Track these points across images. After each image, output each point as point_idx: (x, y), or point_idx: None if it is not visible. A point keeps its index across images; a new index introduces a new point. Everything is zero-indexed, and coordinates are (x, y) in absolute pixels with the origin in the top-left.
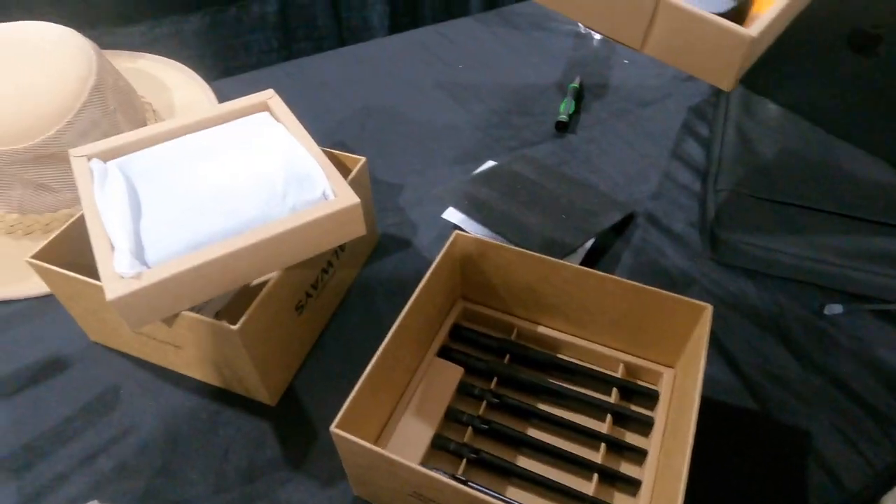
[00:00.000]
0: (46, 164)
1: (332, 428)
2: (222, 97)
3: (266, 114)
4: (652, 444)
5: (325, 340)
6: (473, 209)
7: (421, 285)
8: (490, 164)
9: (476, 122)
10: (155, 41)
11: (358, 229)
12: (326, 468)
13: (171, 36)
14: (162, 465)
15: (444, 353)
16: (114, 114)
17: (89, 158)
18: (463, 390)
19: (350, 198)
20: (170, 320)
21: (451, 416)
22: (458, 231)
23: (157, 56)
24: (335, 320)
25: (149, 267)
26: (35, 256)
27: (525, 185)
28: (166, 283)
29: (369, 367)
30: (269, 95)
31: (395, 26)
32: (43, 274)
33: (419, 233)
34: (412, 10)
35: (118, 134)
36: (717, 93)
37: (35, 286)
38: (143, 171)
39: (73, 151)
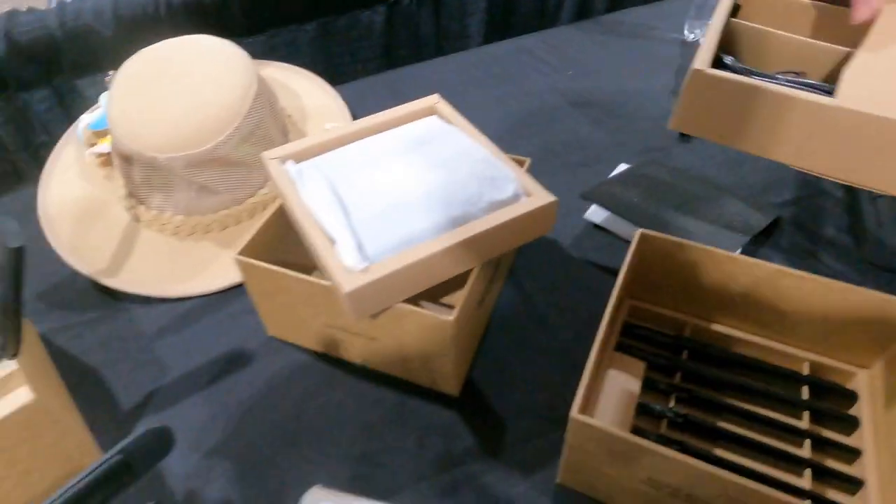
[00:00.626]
0: (212, 167)
1: (573, 414)
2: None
3: (436, 117)
4: (865, 443)
5: (490, 335)
6: (622, 209)
7: (619, 284)
8: (623, 166)
9: (597, 126)
10: (272, 50)
11: (548, 225)
12: (522, 457)
13: (287, 44)
14: (361, 454)
15: (621, 349)
16: (267, 119)
17: (283, 161)
18: (647, 386)
19: (547, 196)
20: (380, 312)
21: (643, 411)
22: (642, 231)
23: (281, 63)
24: (495, 312)
25: (371, 261)
26: (239, 253)
27: (667, 188)
28: (391, 277)
29: (590, 364)
30: (436, 100)
31: (490, 35)
32: (247, 270)
33: (559, 233)
34: (506, 19)
35: (270, 139)
36: None
37: (205, 284)
38: (336, 171)
39: (266, 154)
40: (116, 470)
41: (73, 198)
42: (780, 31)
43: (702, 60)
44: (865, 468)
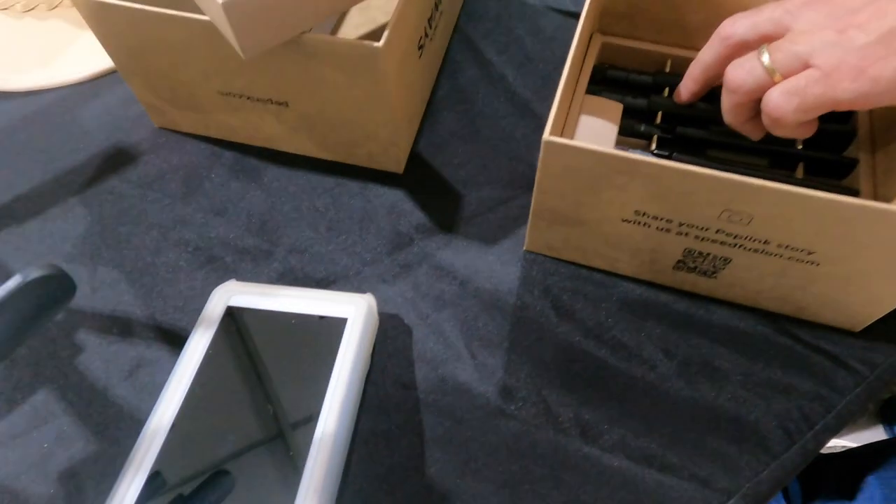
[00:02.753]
0: None
1: (546, 136)
2: None
3: None
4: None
5: (438, 98)
6: None
7: (586, 7)
8: None
9: None
10: None
11: None
12: (482, 230)
13: None
14: (291, 247)
15: (594, 93)
16: None
17: None
18: (625, 131)
19: None
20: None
21: (625, 132)
22: None
23: None
24: (442, 76)
25: None
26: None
27: None
28: None
29: (560, 89)
30: None
31: None
32: (94, 14)
33: None
34: None
35: None
36: None
37: (63, 72)
38: None
39: None
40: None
41: None
42: None
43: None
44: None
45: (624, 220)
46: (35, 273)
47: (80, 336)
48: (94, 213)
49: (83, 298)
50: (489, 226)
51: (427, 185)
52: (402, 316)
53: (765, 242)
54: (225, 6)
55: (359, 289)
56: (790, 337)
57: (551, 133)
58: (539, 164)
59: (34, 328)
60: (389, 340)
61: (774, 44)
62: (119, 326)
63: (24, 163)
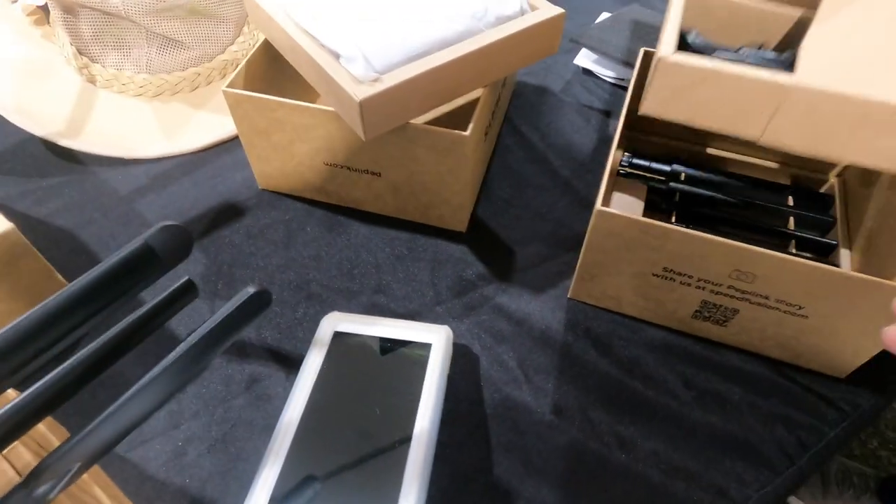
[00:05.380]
0: (173, 17)
1: (598, 207)
2: None
3: None
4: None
5: (491, 174)
6: (612, 49)
7: (626, 104)
8: (606, 15)
9: None
10: None
11: (555, 44)
12: (532, 279)
13: None
14: (376, 287)
15: (623, 176)
16: None
17: None
18: (649, 207)
19: (552, 8)
20: (400, 128)
21: (650, 207)
22: (645, 49)
23: None
24: (494, 157)
25: (379, 73)
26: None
27: (653, 30)
28: (403, 88)
29: (607, 170)
30: None
31: None
32: (240, 104)
33: (549, 79)
34: None
35: None
36: None
37: (182, 143)
38: None
39: None
40: (141, 256)
41: (10, 60)
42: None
43: (666, 46)
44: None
45: (654, 275)
46: (253, 288)
47: None
48: (210, 257)
49: None
50: (538, 277)
51: (485, 242)
52: (470, 346)
53: (765, 297)
54: (362, 103)
55: (435, 322)
56: (788, 379)
57: (602, 205)
58: (589, 228)
59: (236, 335)
60: (460, 366)
61: None
62: (235, 349)
63: (151, 216)
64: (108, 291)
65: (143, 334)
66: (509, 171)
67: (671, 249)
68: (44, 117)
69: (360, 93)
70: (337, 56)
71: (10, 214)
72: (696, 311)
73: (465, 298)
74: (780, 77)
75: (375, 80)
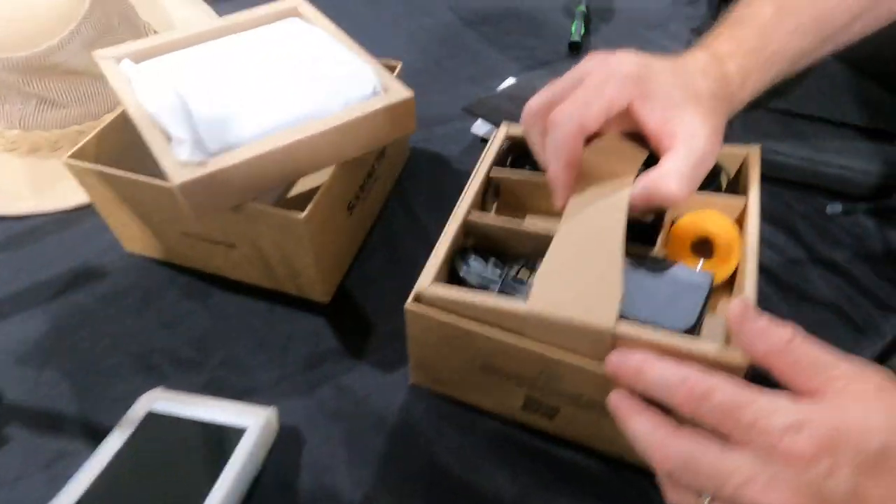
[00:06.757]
0: (51, 76)
1: (408, 304)
2: None
3: (297, 18)
4: None
5: (370, 245)
6: (502, 119)
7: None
8: (511, 80)
9: (490, 42)
10: None
11: (410, 125)
12: (386, 358)
13: None
14: (222, 360)
15: None
16: (117, 28)
17: (118, 60)
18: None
19: (403, 91)
20: (235, 209)
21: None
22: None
23: None
24: (377, 227)
25: (211, 156)
26: (70, 157)
27: None
28: (230, 171)
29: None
30: (297, 2)
31: None
32: (82, 176)
33: (447, 147)
34: None
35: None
36: (716, 15)
37: (51, 201)
38: (180, 70)
39: (98, 53)
40: None
41: None
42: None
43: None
44: None
45: (480, 369)
46: None
47: (8, 429)
48: (53, 321)
49: (24, 394)
50: (390, 356)
51: (346, 316)
52: (302, 427)
53: (579, 395)
54: (179, 188)
55: (272, 400)
56: (618, 474)
57: (413, 300)
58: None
59: None
60: (285, 448)
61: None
62: (48, 421)
63: (5, 272)
64: None
65: None
66: (387, 242)
67: (480, 347)
68: None
69: (178, 176)
70: (169, 138)
71: None
72: (524, 404)
73: (310, 374)
74: (516, 306)
75: (200, 163)
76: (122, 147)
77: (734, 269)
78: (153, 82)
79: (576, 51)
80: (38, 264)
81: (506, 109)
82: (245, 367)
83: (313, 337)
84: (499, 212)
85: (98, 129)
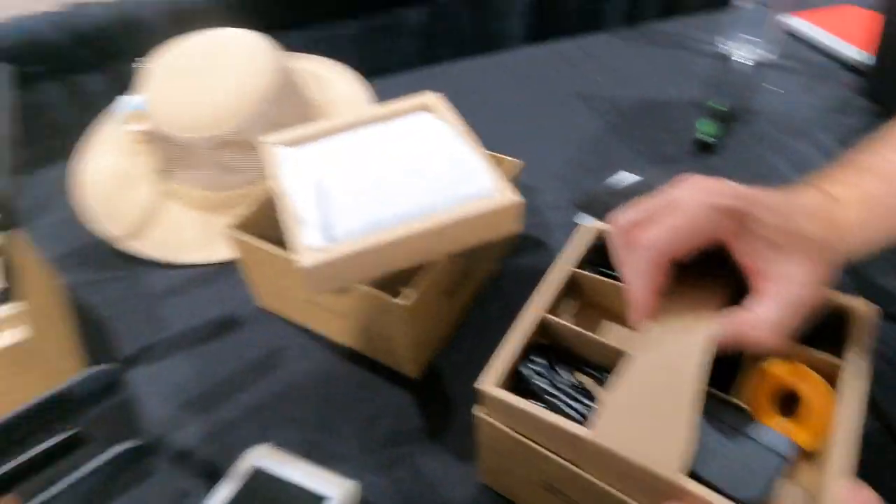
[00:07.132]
0: (232, 149)
1: (475, 410)
2: (377, 96)
3: (427, 113)
4: None
5: (465, 326)
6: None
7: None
8: (623, 174)
9: (615, 132)
10: (313, 44)
11: (515, 226)
12: (464, 445)
13: (327, 40)
14: (319, 421)
15: None
16: (291, 107)
17: (277, 145)
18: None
19: (513, 197)
20: (344, 291)
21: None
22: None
23: (317, 56)
24: (474, 309)
25: (336, 242)
26: (231, 227)
27: None
28: (348, 258)
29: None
30: (430, 97)
31: (534, 38)
32: (236, 242)
33: (554, 235)
34: (553, 22)
35: (291, 126)
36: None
37: (215, 253)
38: (322, 158)
39: (262, 139)
40: (55, 403)
41: (108, 170)
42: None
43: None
44: None
45: (544, 488)
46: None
47: (154, 461)
48: (195, 367)
49: (167, 432)
50: (472, 444)
51: (435, 394)
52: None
53: None
54: (301, 268)
55: (356, 470)
56: None
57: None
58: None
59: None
60: None
61: None
62: (179, 459)
63: (167, 316)
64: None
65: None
66: (481, 326)
67: (543, 469)
68: (118, 221)
69: (303, 260)
70: (301, 222)
71: (72, 298)
72: None
73: (391, 450)
74: (579, 430)
75: (323, 249)
76: (274, 219)
77: (821, 438)
78: (296, 168)
79: (705, 150)
80: (193, 310)
81: (611, 207)
82: (337, 432)
83: (400, 412)
84: (578, 310)
85: (260, 201)
